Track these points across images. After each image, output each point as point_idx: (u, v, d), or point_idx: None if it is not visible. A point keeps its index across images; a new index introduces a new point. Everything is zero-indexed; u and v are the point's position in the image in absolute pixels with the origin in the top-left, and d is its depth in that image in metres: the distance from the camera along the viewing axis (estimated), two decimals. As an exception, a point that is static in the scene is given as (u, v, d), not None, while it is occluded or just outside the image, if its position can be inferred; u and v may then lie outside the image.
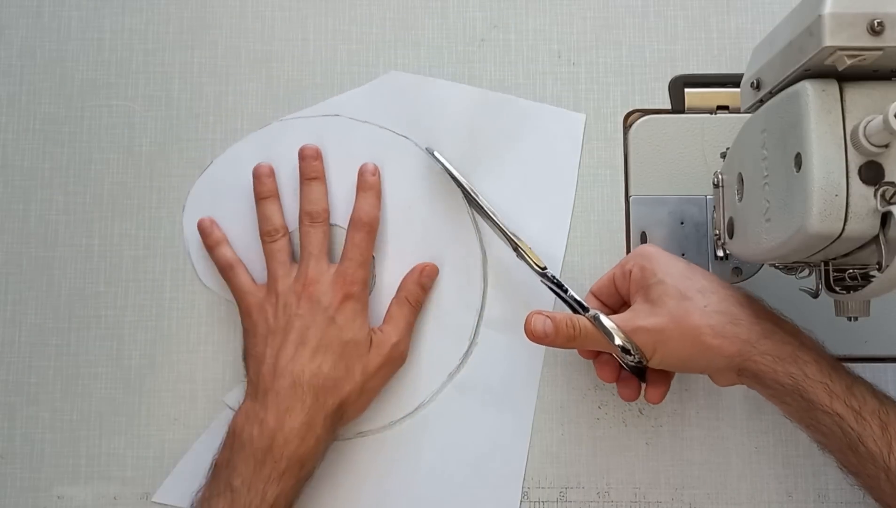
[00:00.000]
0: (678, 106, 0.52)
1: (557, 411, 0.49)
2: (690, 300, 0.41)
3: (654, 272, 0.42)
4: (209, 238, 0.50)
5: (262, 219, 0.49)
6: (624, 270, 0.44)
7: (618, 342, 0.41)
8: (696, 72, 0.52)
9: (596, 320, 0.42)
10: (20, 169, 0.52)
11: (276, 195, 0.50)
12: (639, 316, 0.41)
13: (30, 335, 0.50)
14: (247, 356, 0.48)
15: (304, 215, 0.49)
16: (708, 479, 0.48)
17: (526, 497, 0.48)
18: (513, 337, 0.49)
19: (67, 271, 0.51)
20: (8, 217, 0.51)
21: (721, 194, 0.45)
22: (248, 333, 0.47)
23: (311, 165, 0.50)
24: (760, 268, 0.49)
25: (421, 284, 0.49)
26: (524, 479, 0.48)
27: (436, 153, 0.49)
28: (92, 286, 0.51)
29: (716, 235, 0.46)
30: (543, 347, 0.47)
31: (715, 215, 0.46)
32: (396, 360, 0.48)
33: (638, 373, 0.45)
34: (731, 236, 0.44)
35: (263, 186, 0.50)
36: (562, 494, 0.48)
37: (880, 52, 0.32)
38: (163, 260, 0.51)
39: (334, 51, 0.53)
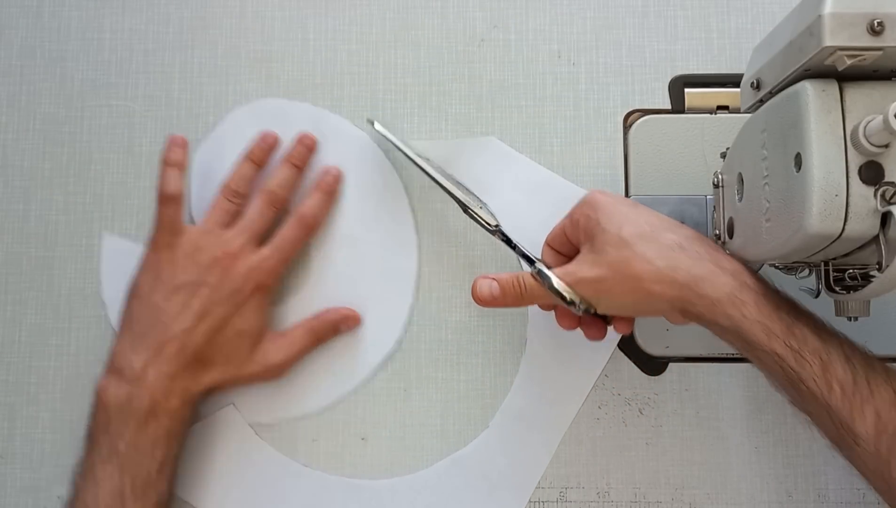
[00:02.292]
0: (678, 106, 0.52)
1: (557, 411, 0.49)
2: (631, 248, 0.40)
3: (597, 221, 0.42)
4: (169, 153, 0.48)
5: (235, 175, 0.49)
6: (573, 219, 0.44)
7: (563, 294, 0.41)
8: (696, 72, 0.52)
9: (540, 274, 0.42)
10: (20, 169, 0.52)
11: (263, 166, 0.50)
12: (582, 267, 0.42)
13: (30, 335, 0.50)
14: (133, 286, 0.46)
15: (264, 191, 0.48)
16: (708, 479, 0.48)
17: (526, 497, 0.48)
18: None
19: (67, 271, 0.51)
20: (8, 217, 0.51)
21: (721, 194, 0.45)
22: (146, 268, 0.46)
23: (301, 152, 0.50)
24: (760, 268, 0.49)
25: (337, 329, 0.49)
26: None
27: (376, 124, 0.49)
28: (92, 286, 0.51)
29: (716, 235, 0.46)
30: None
31: (715, 215, 0.46)
32: (271, 376, 0.48)
33: (597, 315, 0.44)
34: (731, 236, 0.44)
35: (259, 152, 0.50)
36: (562, 494, 0.48)
37: (880, 52, 0.32)
38: (163, 260, 0.51)
39: (334, 51, 0.53)
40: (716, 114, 0.51)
